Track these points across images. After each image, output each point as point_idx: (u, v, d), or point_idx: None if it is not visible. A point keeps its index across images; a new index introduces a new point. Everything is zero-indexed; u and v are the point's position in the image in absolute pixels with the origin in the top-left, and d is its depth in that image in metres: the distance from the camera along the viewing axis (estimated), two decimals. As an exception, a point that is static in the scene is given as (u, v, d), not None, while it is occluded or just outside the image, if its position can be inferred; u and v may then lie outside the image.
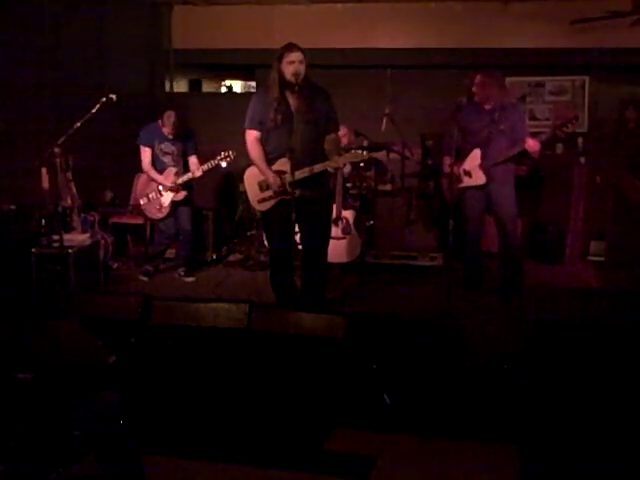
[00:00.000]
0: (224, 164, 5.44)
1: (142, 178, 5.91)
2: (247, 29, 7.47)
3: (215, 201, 6.87)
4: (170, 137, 5.58)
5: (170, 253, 6.00)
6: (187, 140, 5.66)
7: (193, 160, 5.63)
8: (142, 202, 5.75)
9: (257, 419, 3.41)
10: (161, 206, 5.64)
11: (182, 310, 3.98)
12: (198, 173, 5.49)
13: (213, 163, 5.44)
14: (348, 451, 3.17)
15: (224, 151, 5.40)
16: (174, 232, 5.78)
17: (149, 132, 5.64)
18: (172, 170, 5.59)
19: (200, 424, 3.37)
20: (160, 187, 5.61)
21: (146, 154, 5.63)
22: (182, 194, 5.59)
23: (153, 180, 5.65)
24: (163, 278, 5.81)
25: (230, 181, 7.00)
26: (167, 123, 5.50)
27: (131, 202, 6.18)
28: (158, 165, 5.63)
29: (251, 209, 5.53)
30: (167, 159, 5.61)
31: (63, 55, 6.00)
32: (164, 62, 7.82)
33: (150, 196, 5.69)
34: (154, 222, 5.89)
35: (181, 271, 5.79)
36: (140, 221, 6.09)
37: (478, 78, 4.90)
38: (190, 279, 5.74)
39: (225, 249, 6.57)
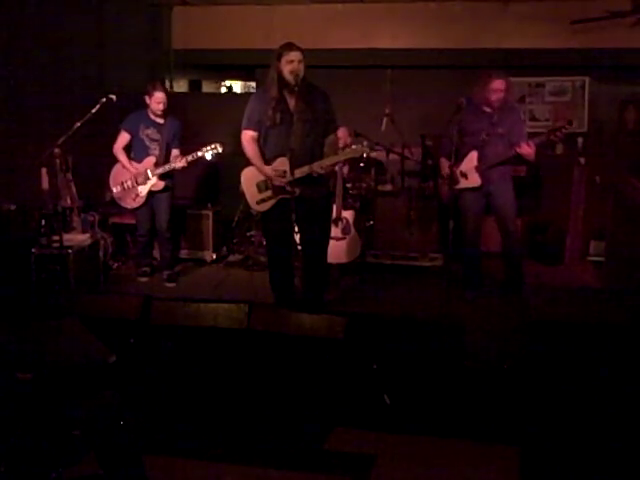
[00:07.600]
0: (209, 156, 5.29)
1: (117, 165, 5.59)
2: (247, 29, 7.47)
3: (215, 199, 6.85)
4: (159, 121, 5.42)
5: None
6: (174, 132, 5.49)
7: (175, 153, 5.45)
8: (115, 190, 5.53)
9: (257, 419, 3.41)
10: (137, 195, 5.45)
11: (182, 310, 3.98)
12: (181, 164, 5.30)
13: (197, 155, 5.28)
14: (348, 451, 3.17)
15: (210, 143, 5.27)
16: (149, 226, 5.61)
17: (135, 117, 5.49)
18: (152, 159, 5.41)
19: (200, 424, 3.37)
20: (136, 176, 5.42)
21: (122, 138, 5.48)
22: (161, 184, 5.42)
23: (122, 165, 5.46)
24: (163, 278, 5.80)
25: (229, 180, 6.98)
26: (154, 103, 5.32)
27: (109, 193, 5.77)
28: (141, 151, 5.45)
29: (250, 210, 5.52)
30: (153, 146, 5.43)
31: (63, 55, 6.00)
32: (164, 62, 7.81)
33: (125, 185, 5.48)
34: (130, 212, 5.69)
35: (164, 275, 5.67)
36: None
37: (499, 83, 4.71)
38: (171, 284, 5.59)
39: (225, 249, 6.57)
